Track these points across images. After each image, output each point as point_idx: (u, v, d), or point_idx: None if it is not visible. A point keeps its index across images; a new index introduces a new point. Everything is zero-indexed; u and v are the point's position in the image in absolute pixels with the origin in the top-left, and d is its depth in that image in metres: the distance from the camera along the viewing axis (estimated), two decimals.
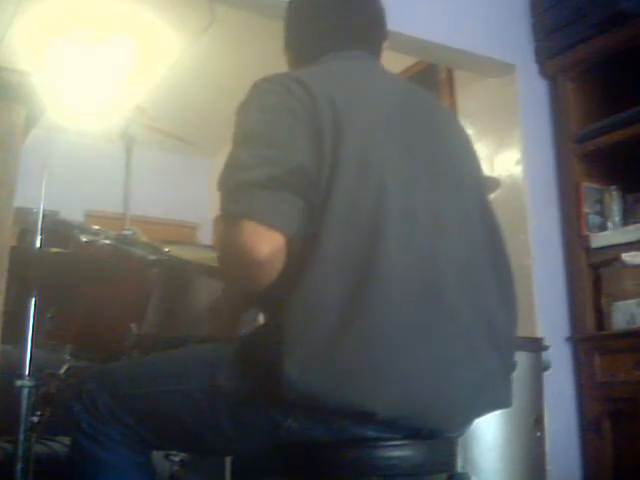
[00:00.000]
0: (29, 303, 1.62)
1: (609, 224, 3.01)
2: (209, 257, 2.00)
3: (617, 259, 2.80)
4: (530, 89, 3.18)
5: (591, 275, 2.95)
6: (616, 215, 3.03)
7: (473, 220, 1.27)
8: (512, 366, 1.28)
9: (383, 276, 1.11)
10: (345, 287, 1.10)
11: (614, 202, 3.04)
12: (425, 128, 1.29)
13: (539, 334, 2.77)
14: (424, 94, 1.43)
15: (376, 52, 1.43)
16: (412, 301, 1.13)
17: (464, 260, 1.21)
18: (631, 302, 2.73)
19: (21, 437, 1.54)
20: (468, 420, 1.27)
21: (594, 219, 3.02)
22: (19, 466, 1.52)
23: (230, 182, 1.14)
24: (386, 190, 1.15)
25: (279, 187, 1.11)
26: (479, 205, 1.30)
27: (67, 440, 1.38)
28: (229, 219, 1.14)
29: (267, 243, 1.10)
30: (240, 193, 1.12)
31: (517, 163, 3.11)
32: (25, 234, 1.70)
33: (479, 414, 1.26)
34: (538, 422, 2.15)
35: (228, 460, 1.64)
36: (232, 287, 1.31)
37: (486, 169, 1.45)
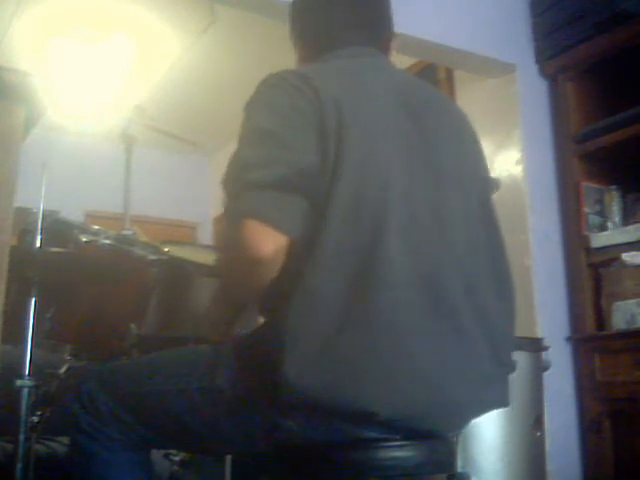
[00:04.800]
0: (29, 303, 1.62)
1: (609, 224, 3.01)
2: (209, 257, 2.00)
3: (617, 259, 2.80)
4: (530, 89, 3.18)
5: (591, 275, 2.94)
6: (616, 215, 3.03)
7: (473, 219, 1.27)
8: (511, 367, 1.28)
9: (385, 277, 1.10)
10: (346, 288, 1.10)
11: (614, 202, 3.04)
12: (430, 126, 1.28)
13: (539, 334, 2.77)
14: (433, 91, 1.42)
15: (385, 49, 1.42)
16: (413, 302, 1.12)
17: (464, 260, 1.21)
18: (631, 302, 2.72)
19: (21, 437, 1.53)
20: (466, 421, 1.27)
21: (594, 219, 3.02)
22: (19, 466, 1.52)
23: (237, 182, 1.13)
24: (389, 191, 1.15)
25: (288, 188, 1.11)
26: (480, 204, 1.30)
27: (67, 440, 1.38)
28: (234, 217, 1.13)
29: (272, 243, 1.10)
30: (248, 192, 1.11)
31: (517, 163, 3.10)
32: (25, 234, 1.69)
33: (477, 415, 1.26)
34: (538, 422, 2.15)
35: (228, 460, 1.65)
36: (229, 289, 1.30)
37: None
